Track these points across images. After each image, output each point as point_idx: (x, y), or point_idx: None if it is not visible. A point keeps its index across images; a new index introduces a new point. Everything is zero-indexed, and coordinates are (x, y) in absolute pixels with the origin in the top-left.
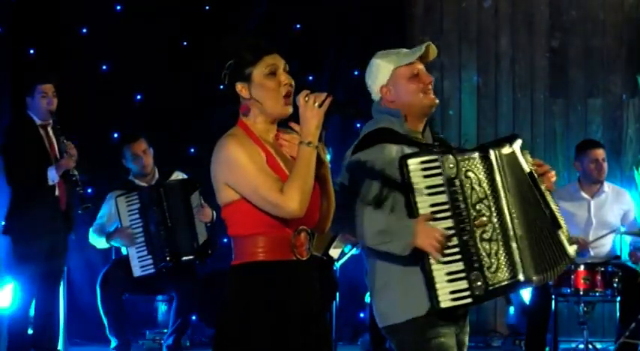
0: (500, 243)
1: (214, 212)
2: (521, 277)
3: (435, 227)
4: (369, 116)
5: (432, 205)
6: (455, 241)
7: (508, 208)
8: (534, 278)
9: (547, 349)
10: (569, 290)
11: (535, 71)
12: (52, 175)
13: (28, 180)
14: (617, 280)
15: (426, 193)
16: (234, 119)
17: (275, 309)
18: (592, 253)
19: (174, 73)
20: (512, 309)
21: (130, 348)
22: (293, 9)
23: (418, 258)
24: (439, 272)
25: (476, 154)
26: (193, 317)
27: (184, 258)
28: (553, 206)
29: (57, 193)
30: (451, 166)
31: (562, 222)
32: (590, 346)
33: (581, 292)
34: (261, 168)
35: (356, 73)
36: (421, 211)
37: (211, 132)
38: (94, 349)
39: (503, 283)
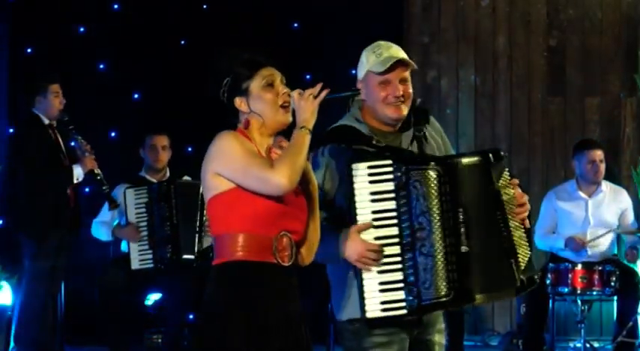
0: (437, 259)
1: None
2: (456, 295)
3: (364, 241)
4: None
5: (376, 212)
6: (396, 250)
7: (453, 223)
8: (476, 297)
9: (545, 348)
10: (566, 289)
11: (533, 70)
12: (79, 173)
13: (43, 180)
14: (614, 279)
15: (370, 199)
16: (235, 118)
17: (251, 309)
18: (589, 252)
19: (173, 72)
20: (523, 308)
21: (128, 347)
22: (291, 8)
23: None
24: (370, 281)
25: (429, 165)
26: (191, 316)
27: (185, 256)
28: (517, 232)
29: (68, 191)
30: (399, 174)
31: (522, 249)
32: (588, 345)
33: (579, 291)
34: (253, 153)
35: (353, 72)
36: (359, 218)
37: (209, 132)
38: (92, 349)
39: (439, 300)
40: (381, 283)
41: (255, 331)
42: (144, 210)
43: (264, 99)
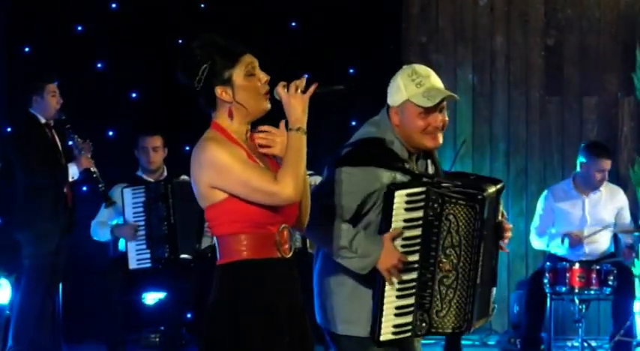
0: (458, 292)
1: None
2: (465, 327)
3: (398, 251)
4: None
5: (405, 238)
6: (414, 275)
7: (479, 258)
8: (474, 324)
9: (542, 347)
10: (564, 288)
11: (530, 69)
12: (74, 172)
13: (42, 179)
14: (612, 278)
15: (402, 226)
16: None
17: (263, 307)
18: (587, 250)
19: (170, 72)
20: (516, 307)
21: (125, 346)
22: (289, 7)
23: (374, 280)
24: (389, 305)
25: (464, 200)
26: (189, 315)
27: (183, 256)
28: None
29: (65, 190)
30: (435, 205)
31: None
32: (585, 344)
33: (577, 290)
34: (246, 162)
35: (351, 71)
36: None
37: (205, 130)
38: (90, 348)
39: (446, 330)
40: (397, 308)
41: (267, 329)
42: (141, 209)
43: (248, 89)
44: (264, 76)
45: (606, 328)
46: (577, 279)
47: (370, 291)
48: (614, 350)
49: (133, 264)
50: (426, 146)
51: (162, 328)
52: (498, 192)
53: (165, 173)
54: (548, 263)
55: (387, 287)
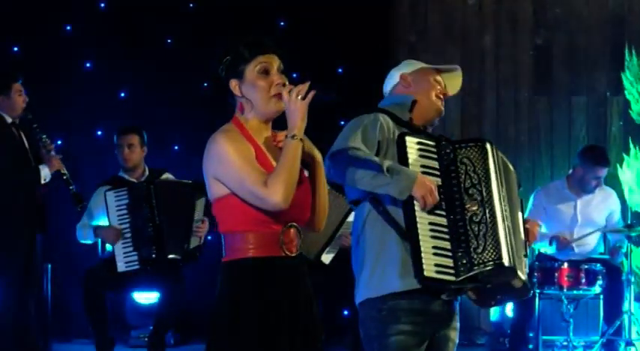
0: (489, 226)
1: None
2: (505, 261)
3: (432, 180)
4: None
5: None
6: (444, 221)
7: (499, 197)
8: (519, 272)
9: (530, 346)
10: (553, 288)
11: (519, 69)
12: (46, 174)
13: (9, 179)
14: (600, 277)
15: (421, 171)
16: (221, 117)
17: (263, 305)
18: (576, 250)
19: (159, 71)
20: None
21: (113, 346)
22: (277, 6)
23: (400, 234)
24: (426, 243)
25: (473, 143)
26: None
27: (170, 256)
28: (523, 233)
29: (35, 191)
30: (448, 151)
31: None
32: (574, 344)
33: (565, 290)
34: (249, 162)
35: (340, 70)
36: None
37: (195, 130)
38: (78, 347)
39: (487, 265)
40: (434, 248)
41: (266, 326)
42: (125, 212)
43: (256, 86)
44: (277, 78)
45: (595, 327)
46: (566, 278)
47: (394, 251)
48: (603, 349)
49: (121, 267)
50: (438, 110)
51: (151, 327)
52: (509, 167)
53: (147, 172)
54: (537, 262)
55: (421, 225)
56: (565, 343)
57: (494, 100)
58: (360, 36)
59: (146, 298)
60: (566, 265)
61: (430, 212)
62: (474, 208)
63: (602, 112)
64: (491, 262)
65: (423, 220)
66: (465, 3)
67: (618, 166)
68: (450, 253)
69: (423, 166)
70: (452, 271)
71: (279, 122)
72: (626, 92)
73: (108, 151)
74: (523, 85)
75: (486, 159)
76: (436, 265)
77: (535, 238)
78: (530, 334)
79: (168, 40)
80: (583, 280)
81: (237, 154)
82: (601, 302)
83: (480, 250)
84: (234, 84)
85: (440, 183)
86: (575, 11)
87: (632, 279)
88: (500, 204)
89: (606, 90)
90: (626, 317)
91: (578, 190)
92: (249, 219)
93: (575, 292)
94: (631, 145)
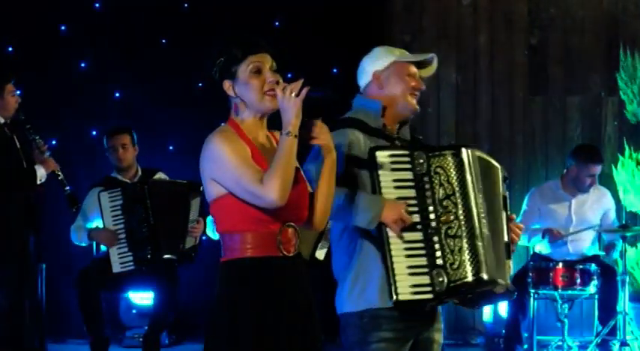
0: (465, 240)
1: (205, 224)
2: (483, 275)
3: (400, 203)
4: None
5: (398, 199)
6: (419, 236)
7: (476, 207)
8: (499, 281)
9: (525, 346)
10: (547, 288)
11: (514, 69)
12: (42, 174)
13: (3, 180)
14: (595, 277)
15: (393, 187)
16: (216, 117)
17: (261, 306)
18: (571, 250)
19: (153, 71)
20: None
21: (108, 345)
22: (272, 6)
23: (378, 249)
24: (400, 265)
25: (447, 151)
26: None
27: (166, 256)
28: (506, 234)
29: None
30: (421, 161)
31: (510, 261)
32: (569, 344)
33: (560, 290)
34: (244, 160)
35: (334, 70)
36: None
37: (190, 130)
38: (74, 347)
39: (465, 280)
40: (409, 267)
41: (263, 326)
42: (119, 213)
43: (249, 85)
44: (270, 76)
45: (590, 327)
46: (560, 278)
47: (373, 263)
48: (597, 350)
49: (116, 268)
50: (411, 108)
51: (146, 327)
52: (494, 163)
53: (140, 172)
54: (531, 262)
55: (394, 246)
56: (560, 344)
57: (489, 100)
58: (354, 36)
59: (141, 298)
60: (560, 265)
61: (404, 228)
62: (449, 218)
63: (596, 112)
64: (467, 278)
65: (396, 240)
66: (459, 3)
67: (613, 166)
68: (426, 270)
69: (395, 180)
70: (429, 289)
71: (277, 123)
72: (620, 92)
73: (102, 152)
74: (518, 85)
75: (462, 167)
76: (412, 285)
77: (518, 236)
78: (525, 335)
79: (163, 40)
80: (578, 280)
81: (232, 154)
82: (596, 302)
83: (455, 266)
84: (227, 85)
85: (414, 195)
86: (570, 11)
87: (627, 279)
88: (477, 214)
89: (601, 90)
90: (620, 317)
91: (573, 189)
92: (247, 218)
93: (569, 292)
94: (626, 146)
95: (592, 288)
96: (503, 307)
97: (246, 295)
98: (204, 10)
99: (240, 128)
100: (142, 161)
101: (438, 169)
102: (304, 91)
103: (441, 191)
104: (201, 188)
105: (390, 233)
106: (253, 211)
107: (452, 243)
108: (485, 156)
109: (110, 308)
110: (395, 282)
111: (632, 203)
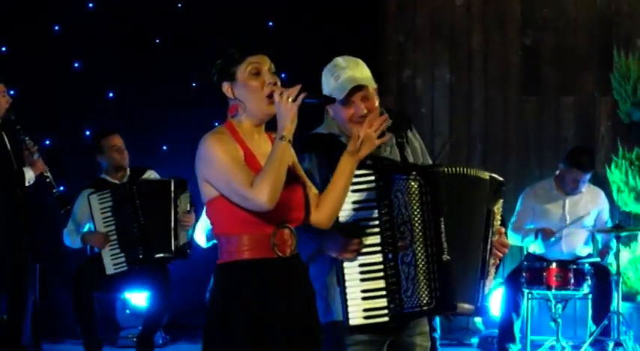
0: (420, 268)
1: (196, 217)
2: (438, 304)
3: (344, 235)
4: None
5: (358, 220)
6: (379, 258)
7: (435, 232)
8: (459, 306)
9: (519, 346)
10: (541, 288)
11: (508, 69)
12: (30, 176)
13: None
14: (589, 277)
15: (352, 208)
16: (210, 117)
17: (256, 307)
18: (564, 250)
19: (147, 71)
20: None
21: (101, 346)
22: (265, 6)
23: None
24: (354, 289)
25: (411, 175)
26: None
27: (157, 255)
28: (492, 260)
29: (18, 192)
30: (381, 184)
31: (490, 276)
32: (562, 344)
33: (553, 290)
34: (236, 162)
35: None
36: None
37: (184, 130)
38: (67, 347)
39: (420, 309)
40: (364, 291)
41: (259, 328)
42: (110, 214)
43: (248, 87)
44: (269, 78)
45: (583, 327)
46: (554, 278)
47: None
48: (591, 350)
49: (109, 270)
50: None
51: (140, 327)
52: (468, 174)
53: (129, 172)
54: (525, 262)
55: (347, 270)
56: (553, 344)
57: (483, 100)
58: (348, 36)
59: (138, 298)
60: (554, 265)
61: (363, 252)
62: (404, 245)
63: (590, 112)
64: (422, 307)
65: (351, 264)
66: (453, 3)
67: (606, 166)
68: (382, 292)
69: (355, 202)
70: (384, 312)
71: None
72: (614, 92)
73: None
74: (511, 85)
75: (421, 192)
76: (365, 309)
77: (503, 253)
78: (519, 335)
79: (157, 40)
80: (571, 281)
81: (224, 155)
82: (589, 302)
83: (409, 294)
84: (226, 87)
85: (376, 216)
86: (564, 12)
87: (621, 279)
88: (436, 241)
89: (594, 90)
90: (614, 317)
91: (566, 189)
92: (239, 221)
93: (563, 292)
94: (619, 145)
95: (585, 288)
96: (496, 307)
97: (241, 296)
98: (198, 11)
99: (235, 130)
100: (136, 161)
101: (398, 194)
102: (301, 96)
103: (399, 217)
104: (187, 183)
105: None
106: (244, 213)
107: (407, 270)
108: (471, 172)
109: (104, 309)
110: (347, 307)
111: (625, 203)
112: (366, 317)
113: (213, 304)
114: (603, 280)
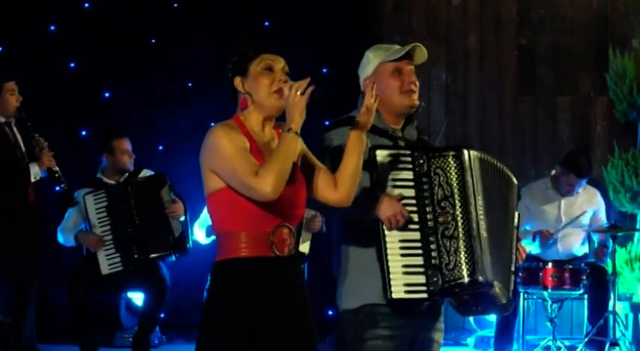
0: (461, 241)
1: (185, 206)
2: (479, 277)
3: (398, 198)
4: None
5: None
6: (416, 235)
7: (475, 209)
8: (495, 283)
9: (515, 346)
10: (537, 288)
11: (504, 69)
12: (36, 172)
13: (2, 179)
14: (585, 277)
15: (392, 185)
16: (207, 117)
17: (252, 305)
18: (560, 250)
19: (143, 71)
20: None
21: (98, 347)
22: (261, 6)
23: (374, 247)
24: (395, 263)
25: (448, 152)
26: (162, 315)
27: (152, 255)
28: (515, 240)
29: (28, 189)
30: (421, 161)
31: (513, 276)
32: (558, 344)
33: (550, 290)
34: (242, 152)
35: (324, 70)
36: None
37: (180, 129)
38: (64, 348)
39: (459, 281)
40: (405, 266)
41: (254, 326)
42: (105, 214)
43: (258, 81)
44: (280, 76)
45: (579, 327)
46: (550, 278)
47: (371, 259)
48: (587, 349)
49: (105, 270)
50: (406, 105)
51: (136, 328)
52: (509, 177)
53: (126, 173)
54: (521, 262)
55: (390, 245)
56: (549, 344)
57: (479, 100)
58: (344, 36)
59: (136, 299)
60: (550, 265)
61: (401, 228)
62: (446, 221)
63: (586, 112)
64: (461, 279)
65: (392, 238)
66: (449, 3)
67: (602, 166)
68: (421, 270)
69: (394, 179)
70: (423, 288)
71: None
72: (610, 92)
73: (91, 151)
74: (507, 85)
75: (462, 169)
76: (406, 284)
77: (524, 256)
78: (515, 334)
79: (153, 40)
80: (567, 280)
81: (230, 144)
82: (585, 302)
83: (450, 267)
84: (238, 81)
85: (413, 194)
86: (559, 12)
87: (617, 279)
88: (476, 215)
89: (590, 90)
90: (610, 317)
91: (562, 189)
92: (241, 215)
93: (559, 292)
94: (615, 146)
95: (581, 288)
96: None
97: (235, 294)
98: (194, 10)
99: (243, 125)
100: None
101: (438, 170)
102: (309, 90)
103: (440, 192)
104: (166, 177)
105: (387, 232)
106: (247, 207)
107: (448, 243)
108: (502, 167)
109: (109, 310)
110: (389, 280)
111: (621, 203)
112: (407, 292)
113: (210, 301)
114: (599, 280)
